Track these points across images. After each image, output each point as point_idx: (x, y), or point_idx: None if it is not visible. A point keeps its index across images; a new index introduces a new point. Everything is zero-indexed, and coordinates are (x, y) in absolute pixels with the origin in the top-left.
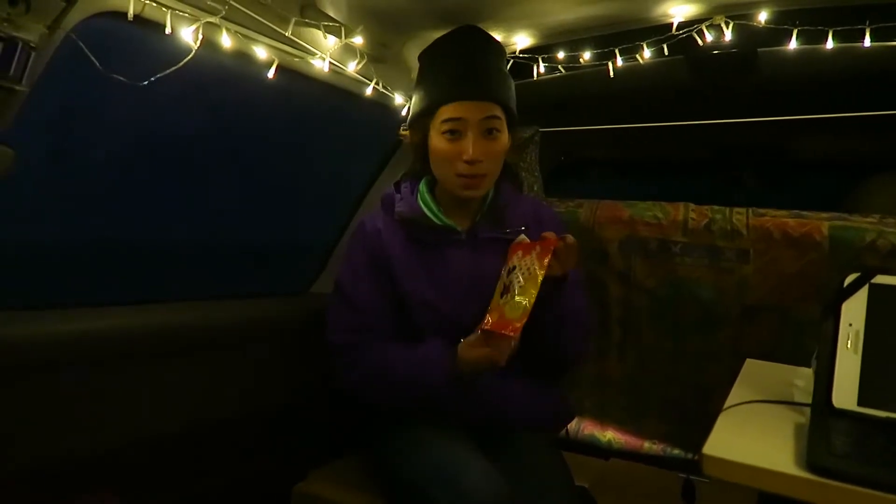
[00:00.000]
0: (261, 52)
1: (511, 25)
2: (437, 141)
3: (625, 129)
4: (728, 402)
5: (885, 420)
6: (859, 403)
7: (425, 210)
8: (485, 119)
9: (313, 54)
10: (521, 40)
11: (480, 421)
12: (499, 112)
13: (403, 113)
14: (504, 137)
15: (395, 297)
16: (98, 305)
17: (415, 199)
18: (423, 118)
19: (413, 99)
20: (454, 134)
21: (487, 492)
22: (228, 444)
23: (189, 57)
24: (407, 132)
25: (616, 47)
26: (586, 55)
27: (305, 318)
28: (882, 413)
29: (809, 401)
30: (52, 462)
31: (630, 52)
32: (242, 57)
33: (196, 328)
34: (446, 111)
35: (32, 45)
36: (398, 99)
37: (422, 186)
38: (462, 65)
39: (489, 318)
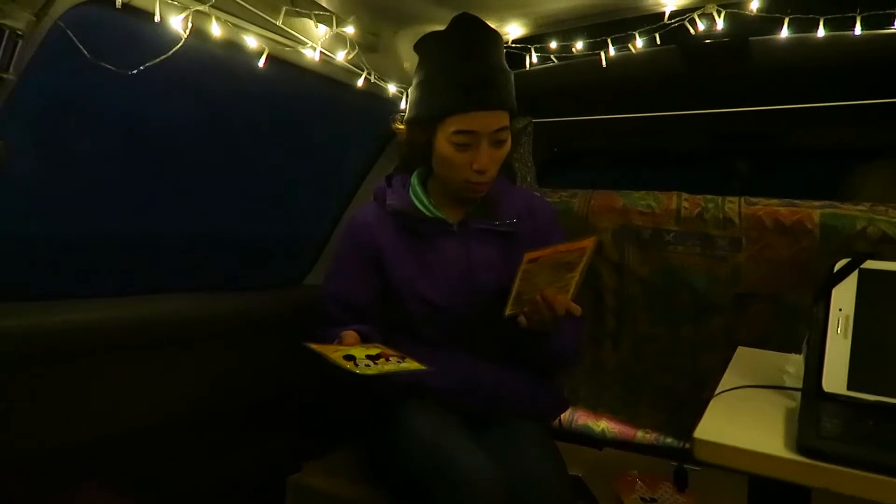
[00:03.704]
0: (251, 42)
1: (503, 15)
2: (445, 148)
3: (618, 119)
4: (719, 388)
5: (874, 403)
6: (849, 387)
7: (417, 203)
8: (497, 131)
9: (304, 44)
10: (513, 30)
11: (475, 410)
12: (507, 119)
13: (397, 104)
14: (510, 141)
15: (387, 289)
16: (91, 297)
17: (406, 192)
18: (429, 121)
19: (414, 95)
20: (465, 145)
21: (481, 481)
22: (223, 436)
23: (178, 46)
24: (402, 126)
25: (608, 37)
26: (579, 45)
27: (299, 309)
28: (871, 397)
29: (800, 387)
30: (46, 453)
31: (622, 41)
32: (232, 46)
33: (190, 320)
34: (457, 121)
35: (19, 32)
36: (391, 89)
37: (413, 180)
38: (472, 69)
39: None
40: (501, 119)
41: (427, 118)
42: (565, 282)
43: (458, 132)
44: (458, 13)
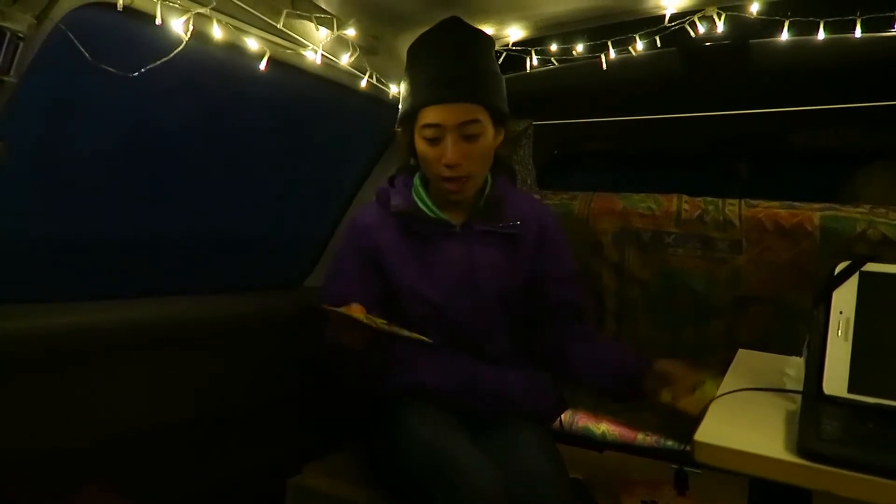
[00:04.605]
0: (252, 44)
1: (503, 18)
2: (420, 144)
3: (618, 121)
4: (719, 391)
5: (875, 406)
6: (849, 390)
7: (420, 204)
8: (463, 124)
9: (305, 46)
10: (513, 33)
11: (476, 411)
12: (480, 113)
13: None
14: (487, 138)
15: (388, 290)
16: (93, 299)
17: (409, 192)
18: (407, 119)
19: (401, 96)
20: (434, 139)
21: (481, 483)
22: (223, 438)
23: (179, 48)
24: (398, 129)
25: (609, 39)
26: (579, 47)
27: (299, 311)
28: (872, 399)
29: (800, 389)
30: (46, 455)
31: (623, 44)
32: (234, 49)
33: (190, 322)
34: (425, 115)
35: (20, 35)
36: (392, 91)
37: (416, 181)
38: (441, 66)
39: None
40: (468, 112)
41: (404, 115)
42: None
43: (425, 126)
44: (447, 18)
